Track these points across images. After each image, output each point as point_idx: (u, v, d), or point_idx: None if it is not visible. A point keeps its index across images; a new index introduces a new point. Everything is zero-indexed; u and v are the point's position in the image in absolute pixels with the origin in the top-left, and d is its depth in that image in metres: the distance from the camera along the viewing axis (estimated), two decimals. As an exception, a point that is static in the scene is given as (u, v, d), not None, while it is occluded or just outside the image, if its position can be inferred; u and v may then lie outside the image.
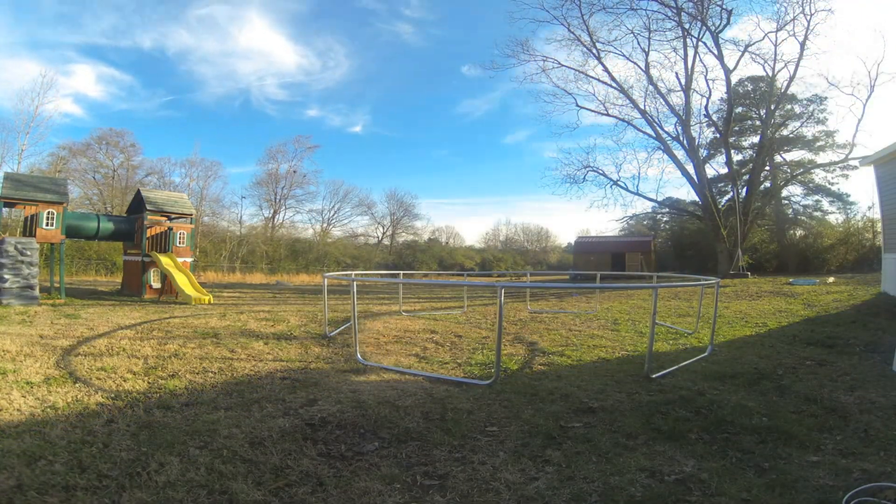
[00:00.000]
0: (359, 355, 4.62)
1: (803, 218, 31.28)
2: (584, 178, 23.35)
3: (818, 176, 29.35)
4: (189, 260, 12.49)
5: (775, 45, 19.18)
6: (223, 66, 53.91)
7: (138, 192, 13.33)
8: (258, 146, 62.53)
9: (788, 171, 27.73)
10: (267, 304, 10.54)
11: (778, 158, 27.93)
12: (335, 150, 58.14)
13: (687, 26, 19.78)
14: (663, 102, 21.47)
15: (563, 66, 22.42)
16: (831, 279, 14.36)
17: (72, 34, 43.85)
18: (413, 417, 2.96)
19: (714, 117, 22.85)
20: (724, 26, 19.06)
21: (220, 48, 52.53)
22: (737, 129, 28.77)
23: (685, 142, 21.25)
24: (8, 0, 36.31)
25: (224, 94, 54.39)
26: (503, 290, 4.14)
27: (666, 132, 21.93)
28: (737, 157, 28.27)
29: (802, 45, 18.23)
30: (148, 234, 11.81)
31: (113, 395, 3.25)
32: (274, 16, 55.67)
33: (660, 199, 26.18)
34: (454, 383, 3.81)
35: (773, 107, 22.47)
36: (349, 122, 60.73)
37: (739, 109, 26.86)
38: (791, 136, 26.99)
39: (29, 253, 9.44)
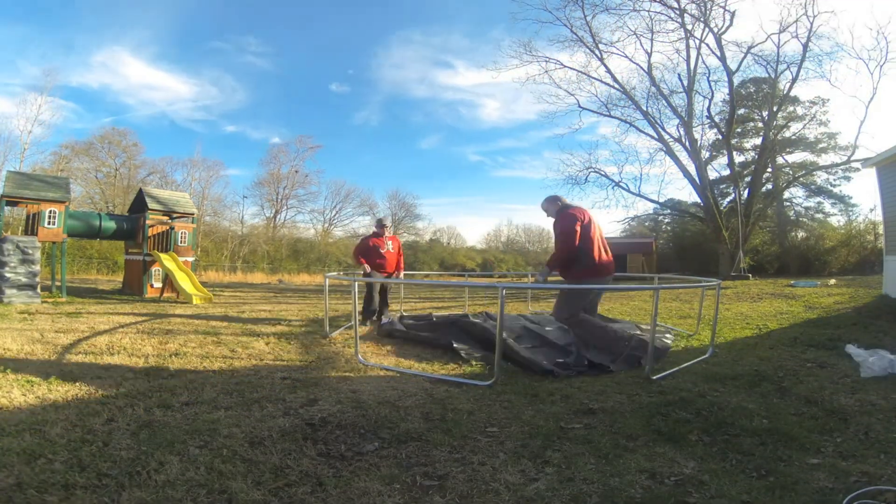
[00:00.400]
0: (359, 355, 4.62)
1: (805, 220, 31.25)
2: (586, 179, 23.37)
3: (820, 178, 29.34)
4: (190, 259, 12.52)
5: (778, 47, 19.19)
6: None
7: (140, 191, 13.37)
8: (259, 146, 62.58)
9: (790, 172, 27.71)
10: (268, 304, 10.56)
11: (780, 160, 27.90)
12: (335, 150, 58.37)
13: (689, 27, 19.81)
14: (665, 104, 21.50)
15: (565, 66, 22.43)
16: (833, 281, 14.33)
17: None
18: (413, 418, 2.96)
19: (716, 119, 22.84)
20: (727, 27, 19.05)
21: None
22: (739, 130, 28.74)
23: (687, 143, 21.24)
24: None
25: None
26: (504, 291, 4.14)
27: (668, 133, 21.96)
28: (739, 159, 28.27)
29: (805, 46, 18.22)
30: (149, 234, 11.83)
31: (113, 394, 3.25)
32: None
33: (661, 200, 26.17)
34: (455, 384, 3.81)
35: (775, 108, 22.46)
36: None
37: (742, 111, 26.82)
38: (793, 137, 26.97)
39: (30, 251, 9.47)
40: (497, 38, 55.30)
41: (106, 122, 51.89)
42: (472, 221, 76.24)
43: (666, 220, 39.15)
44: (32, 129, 27.14)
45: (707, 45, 20.08)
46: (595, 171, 23.30)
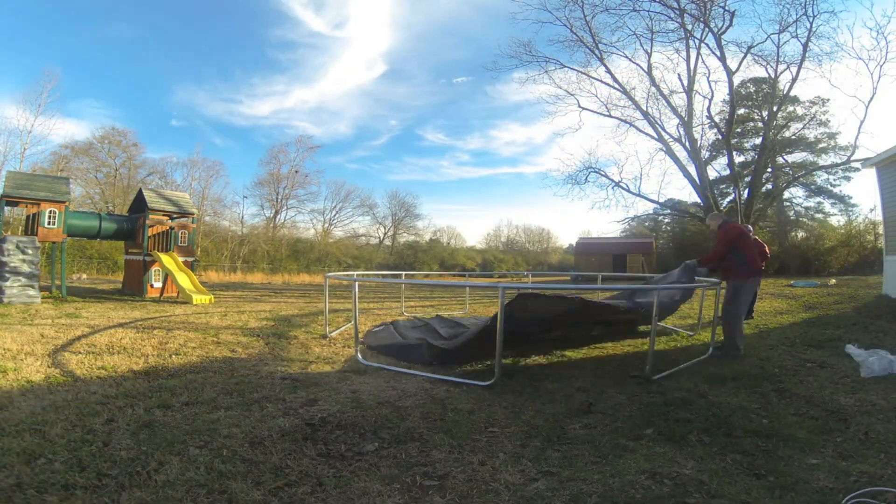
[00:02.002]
0: (359, 355, 4.62)
1: (805, 220, 31.28)
2: (586, 179, 23.32)
3: (820, 178, 29.36)
4: (190, 259, 12.51)
5: (777, 47, 19.12)
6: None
7: (140, 191, 13.35)
8: (260, 147, 62.62)
9: (790, 172, 27.70)
10: (268, 304, 10.55)
11: (780, 160, 27.90)
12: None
13: (689, 28, 19.75)
14: (665, 104, 21.43)
15: (565, 66, 22.41)
16: (833, 281, 14.33)
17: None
18: (413, 418, 2.96)
19: (716, 119, 22.80)
20: (727, 28, 19.02)
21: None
22: (739, 130, 28.75)
23: (687, 143, 21.21)
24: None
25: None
26: (504, 291, 4.13)
27: (668, 133, 21.89)
28: (739, 159, 28.29)
29: (805, 46, 18.18)
30: (149, 234, 11.82)
31: (113, 394, 3.25)
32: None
33: (661, 200, 26.13)
34: (454, 384, 3.81)
35: (775, 108, 22.41)
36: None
37: (742, 111, 26.83)
38: (793, 137, 26.97)
39: (30, 251, 9.47)
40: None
41: (106, 122, 51.87)
42: (472, 221, 76.30)
43: (666, 220, 39.20)
44: (32, 129, 27.12)
45: (707, 45, 20.05)
46: (595, 171, 23.29)
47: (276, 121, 51.66)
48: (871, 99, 18.16)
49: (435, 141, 61.63)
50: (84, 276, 19.84)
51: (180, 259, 11.83)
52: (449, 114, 61.86)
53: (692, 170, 21.24)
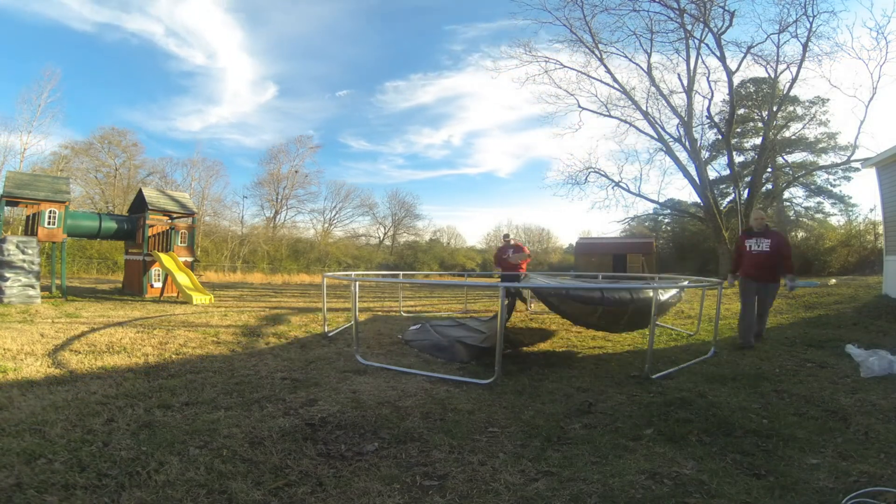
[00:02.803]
0: (359, 356, 4.62)
1: (805, 220, 31.28)
2: (586, 179, 23.34)
3: (820, 178, 29.35)
4: (190, 259, 12.51)
5: (777, 47, 19.13)
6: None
7: (140, 191, 13.36)
8: (261, 147, 62.68)
9: (790, 172, 27.70)
10: (268, 304, 10.55)
11: (780, 160, 27.89)
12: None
13: (689, 28, 19.75)
14: (665, 104, 21.44)
15: (565, 67, 22.42)
16: (833, 281, 14.33)
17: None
18: (413, 418, 2.96)
19: (716, 119, 22.79)
20: (727, 28, 19.02)
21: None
22: (739, 130, 28.75)
23: (687, 143, 21.22)
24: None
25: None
26: (505, 291, 4.13)
27: (668, 133, 21.91)
28: (739, 159, 28.28)
29: (805, 46, 18.18)
30: (149, 234, 11.83)
31: (113, 394, 3.25)
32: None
33: (661, 200, 26.17)
34: (454, 384, 3.81)
35: (775, 108, 22.41)
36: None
37: (742, 111, 26.81)
38: (793, 137, 26.96)
39: (30, 251, 9.47)
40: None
41: (106, 122, 52.61)
42: (472, 221, 76.20)
43: (666, 221, 39.21)
44: (32, 129, 27.11)
45: (707, 45, 20.04)
46: (595, 171, 23.30)
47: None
48: (871, 99, 18.17)
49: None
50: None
51: (180, 259, 11.84)
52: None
53: (692, 170, 21.25)
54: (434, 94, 62.64)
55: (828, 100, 26.17)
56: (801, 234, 30.40)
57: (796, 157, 28.62)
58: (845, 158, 22.97)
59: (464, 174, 66.73)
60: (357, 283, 5.13)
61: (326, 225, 44.36)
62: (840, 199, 29.78)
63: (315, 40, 57.93)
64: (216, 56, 53.05)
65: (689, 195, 33.68)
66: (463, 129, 64.97)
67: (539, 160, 66.92)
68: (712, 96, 21.30)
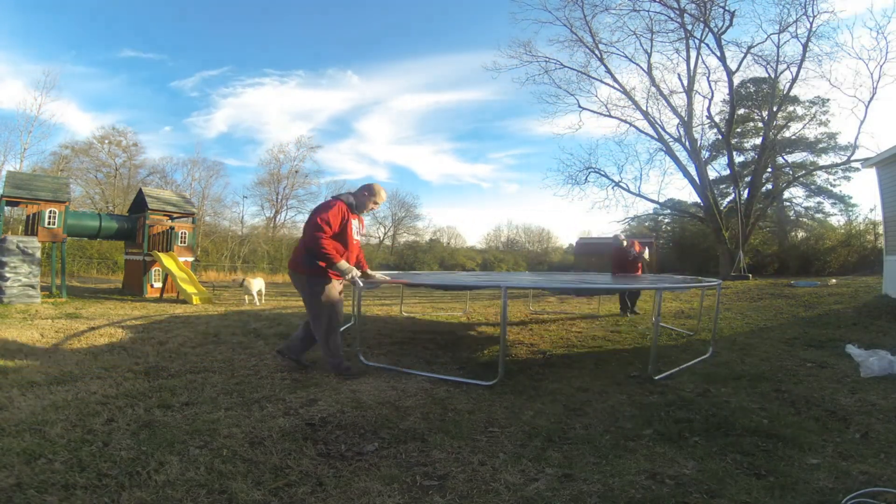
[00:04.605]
0: (359, 355, 4.62)
1: (805, 220, 31.25)
2: (586, 179, 23.39)
3: (820, 178, 29.32)
4: (190, 259, 12.51)
5: (777, 47, 19.18)
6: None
7: (140, 191, 13.37)
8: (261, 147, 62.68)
9: (790, 172, 27.69)
10: (268, 304, 10.55)
11: (780, 160, 27.88)
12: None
13: (689, 28, 19.80)
14: (665, 104, 21.50)
15: (565, 66, 22.44)
16: (833, 281, 14.34)
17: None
18: (413, 418, 2.96)
19: (716, 119, 22.84)
20: (727, 28, 19.05)
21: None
22: (739, 130, 28.74)
23: (687, 143, 21.25)
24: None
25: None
26: (506, 290, 4.13)
27: (668, 133, 21.96)
28: (739, 159, 28.25)
29: (805, 46, 18.22)
30: (149, 234, 11.83)
31: (113, 394, 3.25)
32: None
33: (661, 200, 26.17)
34: (455, 384, 3.81)
35: (775, 108, 22.44)
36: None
37: (742, 111, 26.82)
38: (793, 137, 26.94)
39: (30, 252, 9.47)
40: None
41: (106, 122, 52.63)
42: (472, 221, 76.11)
43: (666, 220, 39.14)
44: (32, 128, 27.10)
45: (707, 45, 20.08)
46: (595, 171, 23.32)
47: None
48: (871, 99, 18.21)
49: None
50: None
51: (180, 259, 11.84)
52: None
53: (692, 170, 21.28)
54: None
55: (828, 100, 26.16)
56: (801, 234, 30.40)
57: (796, 157, 28.61)
58: (845, 158, 23.01)
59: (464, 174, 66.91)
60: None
61: (326, 225, 44.29)
62: (840, 199, 29.76)
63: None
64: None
65: (689, 195, 33.68)
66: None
67: (539, 160, 67.11)
68: (712, 96, 21.37)
